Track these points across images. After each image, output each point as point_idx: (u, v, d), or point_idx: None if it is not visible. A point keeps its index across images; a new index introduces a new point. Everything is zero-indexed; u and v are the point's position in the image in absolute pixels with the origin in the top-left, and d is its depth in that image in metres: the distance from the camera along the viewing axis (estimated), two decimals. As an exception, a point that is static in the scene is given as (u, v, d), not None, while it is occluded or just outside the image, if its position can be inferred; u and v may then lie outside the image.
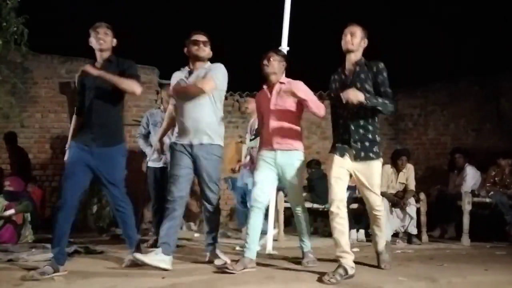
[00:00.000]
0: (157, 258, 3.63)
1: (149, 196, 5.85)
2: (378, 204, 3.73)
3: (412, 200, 5.95)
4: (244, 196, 5.62)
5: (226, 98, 8.11)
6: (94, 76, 3.56)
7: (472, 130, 8.04)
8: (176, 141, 3.97)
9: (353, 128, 3.58)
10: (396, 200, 5.91)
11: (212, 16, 10.34)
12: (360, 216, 5.86)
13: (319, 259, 4.06)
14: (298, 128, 3.98)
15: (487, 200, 6.13)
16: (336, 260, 3.50)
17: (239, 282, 3.24)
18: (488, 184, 6.44)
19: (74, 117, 3.86)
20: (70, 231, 3.60)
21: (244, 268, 3.62)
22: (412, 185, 6.07)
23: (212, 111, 3.92)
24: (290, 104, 3.89)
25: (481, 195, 6.25)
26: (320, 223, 6.91)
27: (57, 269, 3.44)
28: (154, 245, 4.72)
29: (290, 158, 3.90)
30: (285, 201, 5.75)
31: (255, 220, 3.79)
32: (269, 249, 4.72)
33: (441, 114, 8.26)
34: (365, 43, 3.66)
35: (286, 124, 3.91)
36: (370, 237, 4.24)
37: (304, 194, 6.45)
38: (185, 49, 4.00)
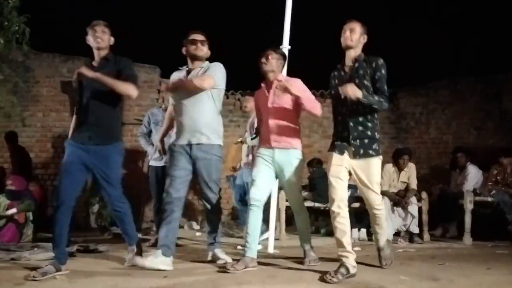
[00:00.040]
0: (157, 260, 3.63)
1: (150, 195, 5.84)
2: (378, 203, 3.70)
3: (413, 199, 5.95)
4: (243, 195, 5.60)
5: (227, 97, 8.14)
6: (89, 78, 3.55)
7: (474, 129, 8.04)
8: (175, 142, 3.95)
9: (352, 125, 3.57)
10: (398, 199, 5.91)
11: (214, 15, 10.35)
12: (362, 215, 5.86)
13: (320, 259, 4.05)
14: (296, 126, 3.96)
15: (489, 199, 6.12)
16: (337, 259, 3.50)
17: (241, 281, 3.24)
18: (490, 183, 6.43)
19: (74, 116, 3.85)
20: (70, 230, 3.59)
21: (245, 268, 3.62)
22: (413, 184, 6.06)
23: (211, 111, 3.90)
24: (287, 102, 3.86)
25: (483, 194, 6.24)
26: (322, 222, 6.91)
27: (59, 268, 3.44)
28: (156, 244, 4.70)
29: (288, 156, 3.87)
30: (286, 200, 5.75)
31: (254, 219, 3.78)
32: (271, 248, 4.72)
33: (443, 113, 8.25)
34: (364, 39, 3.64)
35: (284, 122, 3.88)
36: (371, 236, 4.23)
37: (306, 193, 6.49)
38: (183, 49, 3.98)
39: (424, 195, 6.10)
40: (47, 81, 7.94)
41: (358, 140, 3.56)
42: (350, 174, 3.66)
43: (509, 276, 3.57)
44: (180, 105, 3.92)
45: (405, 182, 6.11)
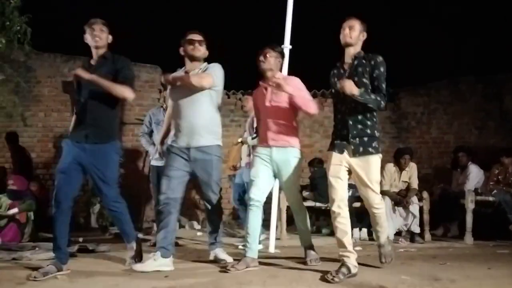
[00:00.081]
0: (157, 263, 3.62)
1: (151, 195, 5.84)
2: (377, 202, 3.65)
3: (415, 199, 5.94)
4: (242, 194, 5.60)
5: (228, 97, 8.14)
6: (86, 79, 3.53)
7: (475, 128, 8.04)
8: (173, 144, 3.91)
9: (351, 123, 3.54)
10: (399, 199, 5.90)
11: (215, 15, 10.34)
12: (363, 215, 5.85)
13: (322, 258, 4.05)
14: (294, 124, 3.94)
15: (490, 198, 6.12)
16: (339, 259, 3.50)
17: (243, 281, 3.24)
18: (491, 183, 6.43)
19: (74, 116, 3.84)
20: (70, 230, 3.59)
21: (246, 268, 3.62)
22: (415, 184, 6.06)
23: (209, 112, 3.85)
24: (285, 100, 3.82)
25: (484, 193, 6.24)
26: (323, 222, 6.90)
27: (60, 268, 3.45)
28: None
29: (286, 155, 3.85)
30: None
31: (254, 219, 3.77)
32: (272, 248, 4.72)
33: (444, 113, 8.25)
34: (364, 36, 3.62)
35: (281, 121, 3.86)
36: (372, 236, 4.23)
37: (307, 193, 6.49)
38: (181, 49, 3.94)
39: (425, 194, 6.09)
40: (49, 81, 7.95)
41: (357, 139, 3.53)
42: (350, 173, 3.65)
43: (511, 276, 3.57)
44: (177, 106, 3.88)
45: (406, 181, 6.11)
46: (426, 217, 6.01)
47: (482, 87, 8.02)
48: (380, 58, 3.53)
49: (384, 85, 3.50)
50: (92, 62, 3.72)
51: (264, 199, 3.89)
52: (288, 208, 5.89)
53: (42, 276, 3.27)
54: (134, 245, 3.85)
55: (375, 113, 3.60)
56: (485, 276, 3.52)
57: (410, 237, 5.88)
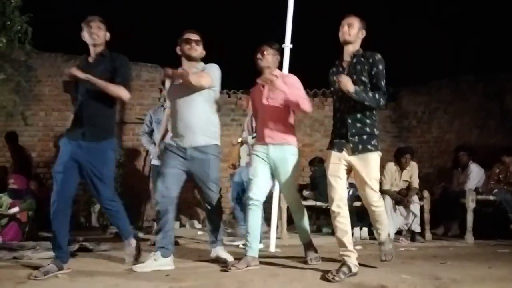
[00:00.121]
0: (158, 263, 3.62)
1: (151, 194, 5.85)
2: (375, 200, 3.61)
3: (415, 198, 5.94)
4: (241, 193, 5.59)
5: (229, 96, 8.15)
6: (81, 79, 3.52)
7: (476, 127, 8.02)
8: (170, 143, 3.90)
9: (350, 122, 3.52)
10: (400, 198, 5.90)
11: (216, 15, 10.34)
12: (363, 214, 5.84)
13: (322, 258, 4.05)
14: (291, 122, 3.93)
15: (491, 197, 6.12)
16: (339, 258, 3.50)
17: (244, 280, 3.24)
18: (492, 182, 6.42)
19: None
20: (69, 228, 3.58)
21: (247, 267, 3.62)
22: (415, 183, 6.05)
23: (205, 112, 3.83)
24: (282, 98, 3.80)
25: (485, 192, 6.24)
26: (324, 221, 6.91)
27: (61, 267, 3.45)
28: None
29: (283, 152, 3.83)
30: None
31: (254, 218, 3.77)
32: (272, 247, 4.72)
33: (445, 112, 8.24)
34: (363, 34, 3.59)
35: (278, 118, 3.85)
36: (373, 235, 4.22)
37: (308, 192, 6.49)
38: (178, 48, 3.92)
39: (426, 193, 6.09)
40: (49, 80, 7.96)
41: (356, 137, 3.51)
42: (349, 172, 3.64)
43: (511, 275, 3.57)
44: (174, 106, 3.87)
45: (407, 181, 6.11)
46: (426, 216, 6.01)
47: (483, 86, 8.00)
48: (378, 56, 3.51)
49: (383, 83, 3.48)
50: (90, 60, 3.71)
51: (264, 198, 3.89)
52: (288, 207, 5.90)
53: (43, 275, 3.28)
54: (131, 241, 3.84)
55: (374, 111, 3.58)
56: (485, 275, 3.52)
57: (410, 236, 5.88)
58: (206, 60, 3.97)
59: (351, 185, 5.79)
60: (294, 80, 3.90)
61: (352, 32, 3.54)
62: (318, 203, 6.29)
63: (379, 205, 3.65)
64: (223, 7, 10.27)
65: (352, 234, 3.75)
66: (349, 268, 3.37)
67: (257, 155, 3.90)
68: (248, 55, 3.99)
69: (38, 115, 7.95)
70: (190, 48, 3.85)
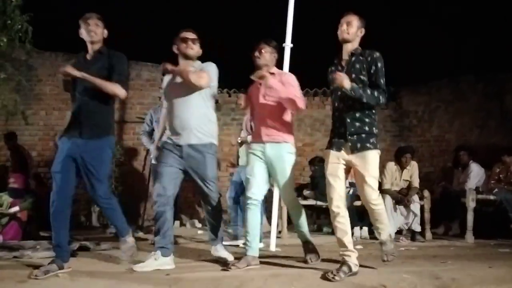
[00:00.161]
0: (158, 263, 3.62)
1: (151, 193, 5.84)
2: (374, 198, 3.57)
3: (416, 197, 5.94)
4: (240, 192, 5.57)
5: (229, 95, 8.15)
6: (76, 77, 3.52)
7: (476, 127, 8.02)
8: (167, 141, 3.89)
9: (348, 120, 3.50)
10: (400, 197, 5.90)
11: (217, 14, 10.34)
12: (363, 213, 5.85)
13: (322, 257, 4.04)
14: (288, 120, 3.91)
15: (492, 197, 6.12)
16: (339, 258, 3.50)
17: (244, 279, 3.24)
18: (492, 181, 6.43)
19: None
20: (69, 227, 3.57)
21: (247, 266, 3.62)
22: (416, 182, 6.05)
23: (202, 110, 3.83)
24: (279, 95, 3.78)
25: (485, 192, 6.24)
26: (324, 220, 6.91)
27: (62, 266, 3.45)
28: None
29: (279, 150, 3.82)
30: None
31: (253, 217, 3.77)
32: (273, 246, 4.72)
33: (445, 111, 8.24)
34: (362, 32, 3.57)
35: (275, 116, 3.84)
36: (373, 234, 4.22)
37: (308, 191, 6.49)
38: (174, 47, 3.92)
39: (426, 193, 6.10)
40: (50, 79, 7.97)
41: (355, 136, 3.49)
42: (348, 171, 3.63)
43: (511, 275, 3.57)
44: (171, 104, 3.87)
45: (407, 180, 6.11)
46: (427, 215, 6.01)
47: (483, 86, 8.00)
48: (377, 54, 3.49)
49: (382, 81, 3.46)
50: (88, 57, 3.71)
51: (262, 197, 3.88)
52: (288, 206, 5.90)
53: (43, 274, 3.28)
54: (128, 238, 3.82)
55: (374, 110, 3.56)
56: (486, 275, 3.51)
57: (411, 236, 5.88)
58: (207, 59, 3.97)
59: (351, 185, 5.79)
60: (291, 78, 3.89)
61: (351, 30, 3.52)
62: (319, 203, 6.29)
63: (378, 203, 3.62)
64: (224, 7, 10.27)
65: (352, 234, 3.74)
66: (350, 268, 3.37)
67: (253, 154, 3.89)
68: (248, 54, 3.98)
69: (38, 114, 7.96)
70: (186, 46, 3.85)
